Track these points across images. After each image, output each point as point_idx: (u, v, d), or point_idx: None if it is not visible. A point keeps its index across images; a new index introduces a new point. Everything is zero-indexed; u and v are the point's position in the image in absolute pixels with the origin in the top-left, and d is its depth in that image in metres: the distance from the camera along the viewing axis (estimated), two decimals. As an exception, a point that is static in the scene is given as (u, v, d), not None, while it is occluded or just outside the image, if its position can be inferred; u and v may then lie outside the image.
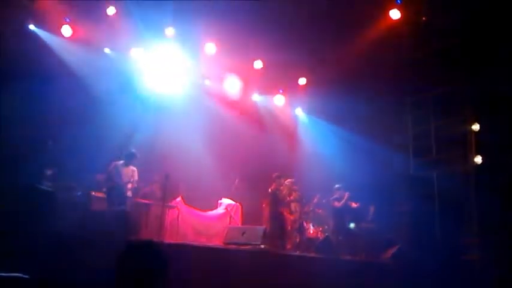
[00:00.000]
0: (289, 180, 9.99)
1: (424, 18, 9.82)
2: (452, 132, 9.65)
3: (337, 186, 10.26)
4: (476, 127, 9.35)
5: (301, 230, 9.98)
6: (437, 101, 9.87)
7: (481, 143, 9.07)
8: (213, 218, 10.00)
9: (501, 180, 8.51)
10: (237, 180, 10.70)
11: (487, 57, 9.10)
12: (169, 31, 10.62)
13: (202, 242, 9.29)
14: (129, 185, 9.01)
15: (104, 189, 9.17)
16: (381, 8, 9.78)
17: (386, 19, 9.78)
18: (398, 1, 9.69)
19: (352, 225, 9.74)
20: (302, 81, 12.16)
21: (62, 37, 10.13)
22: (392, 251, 9.20)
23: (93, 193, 9.35)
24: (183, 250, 7.85)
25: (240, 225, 9.60)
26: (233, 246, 8.34)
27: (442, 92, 9.81)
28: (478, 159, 9.04)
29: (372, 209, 9.99)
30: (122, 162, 9.08)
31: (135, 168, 9.15)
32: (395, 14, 9.57)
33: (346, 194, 10.09)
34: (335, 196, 10.20)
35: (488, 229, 8.42)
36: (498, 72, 8.82)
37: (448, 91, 9.76)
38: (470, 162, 9.06)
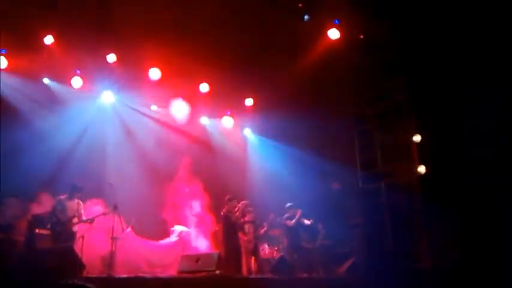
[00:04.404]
0: (243, 202, 9.94)
1: (361, 36, 10.12)
2: (396, 144, 9.92)
3: (288, 205, 10.30)
4: (417, 138, 9.67)
5: (256, 251, 9.90)
6: (379, 114, 10.15)
7: (423, 154, 9.37)
8: (166, 247, 9.75)
9: (445, 189, 8.80)
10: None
11: (424, 69, 9.47)
12: (111, 57, 10.45)
13: (157, 273, 9.00)
14: (75, 220, 8.67)
15: (48, 226, 8.76)
16: (320, 28, 10.05)
17: (326, 39, 10.05)
18: (337, 21, 9.99)
19: None
20: (249, 102, 12.23)
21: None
22: (347, 264, 9.30)
23: (37, 230, 8.91)
24: (136, 283, 7.61)
25: (193, 253, 9.41)
26: (188, 275, 8.14)
27: (383, 106, 10.11)
28: (422, 169, 9.34)
29: (320, 226, 10.10)
30: (65, 196, 8.75)
31: (80, 202, 8.84)
32: (334, 33, 9.88)
33: (298, 212, 10.15)
34: (287, 215, 10.22)
35: (436, 237, 8.66)
36: (437, 83, 9.20)
37: (388, 104, 10.07)
38: (414, 172, 9.35)
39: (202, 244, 10.16)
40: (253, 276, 9.14)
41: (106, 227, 9.30)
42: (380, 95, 10.05)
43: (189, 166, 11.28)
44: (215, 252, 8.92)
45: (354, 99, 10.32)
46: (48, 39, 9.79)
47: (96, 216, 9.34)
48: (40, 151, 9.51)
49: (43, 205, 9.25)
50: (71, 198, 8.72)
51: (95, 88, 10.87)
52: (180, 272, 8.35)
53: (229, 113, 12.55)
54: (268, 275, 9.08)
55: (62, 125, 10.11)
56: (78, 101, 10.62)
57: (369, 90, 10.15)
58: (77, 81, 10.53)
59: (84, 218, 8.74)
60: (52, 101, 10.41)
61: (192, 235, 10.11)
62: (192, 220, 10.73)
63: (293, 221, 10.07)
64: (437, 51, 9.31)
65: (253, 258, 9.69)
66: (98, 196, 9.51)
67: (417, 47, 9.43)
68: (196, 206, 10.89)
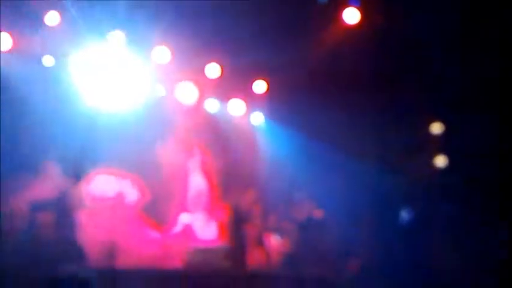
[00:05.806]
0: (250, 192, 9.67)
1: (381, 22, 9.69)
2: (413, 135, 9.62)
3: (298, 196, 10.01)
4: (438, 129, 9.36)
5: (264, 244, 9.64)
6: (397, 105, 9.77)
7: (444, 147, 9.08)
8: (173, 238, 9.46)
9: (465, 183, 8.53)
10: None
11: (445, 58, 9.09)
12: (119, 35, 10.01)
13: (162, 264, 8.75)
14: (80, 206, 8.49)
15: (51, 212, 8.50)
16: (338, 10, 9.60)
17: (343, 22, 9.63)
18: (355, 3, 9.55)
19: None
20: (260, 85, 11.82)
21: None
22: (358, 262, 9.08)
23: (39, 217, 8.65)
24: (140, 276, 7.43)
25: (200, 245, 9.18)
26: (194, 268, 7.99)
27: (401, 96, 9.73)
28: (441, 163, 9.05)
29: (331, 222, 9.81)
30: (70, 180, 8.57)
31: (86, 186, 8.73)
32: (353, 17, 9.38)
33: (309, 204, 9.87)
34: (297, 206, 9.94)
35: (455, 234, 8.44)
36: (459, 72, 8.83)
37: (407, 94, 9.69)
38: (433, 166, 9.06)
39: (209, 235, 9.87)
40: (261, 271, 8.93)
41: (109, 214, 9.09)
42: (397, 85, 9.63)
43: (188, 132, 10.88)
44: (223, 245, 8.75)
45: (370, 89, 9.89)
46: (53, 17, 9.33)
47: (103, 201, 9.13)
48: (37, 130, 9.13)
49: (48, 182, 8.84)
50: (76, 182, 8.60)
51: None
52: (187, 265, 8.20)
53: (239, 96, 12.15)
54: (277, 271, 8.90)
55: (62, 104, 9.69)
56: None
57: (386, 80, 9.71)
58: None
59: (89, 204, 8.60)
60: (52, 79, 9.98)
61: (198, 225, 9.82)
62: (197, 205, 10.39)
63: (303, 213, 9.81)
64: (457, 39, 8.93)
65: (261, 252, 9.47)
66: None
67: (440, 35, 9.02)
68: (200, 183, 10.51)
